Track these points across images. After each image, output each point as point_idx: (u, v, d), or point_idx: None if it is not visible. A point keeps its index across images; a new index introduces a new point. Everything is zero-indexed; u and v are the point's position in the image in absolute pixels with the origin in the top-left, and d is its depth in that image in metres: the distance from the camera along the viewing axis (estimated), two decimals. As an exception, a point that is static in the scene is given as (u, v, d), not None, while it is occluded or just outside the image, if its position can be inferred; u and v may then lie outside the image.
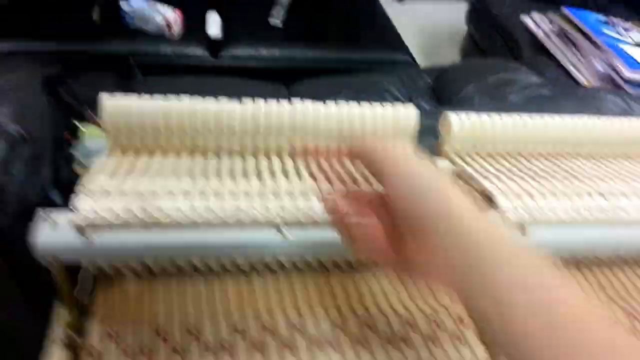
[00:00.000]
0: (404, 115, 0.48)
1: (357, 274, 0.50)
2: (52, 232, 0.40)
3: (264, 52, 1.59)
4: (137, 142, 0.49)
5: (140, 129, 0.49)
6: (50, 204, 0.79)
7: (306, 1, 1.81)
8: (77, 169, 0.52)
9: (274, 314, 0.46)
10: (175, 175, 0.46)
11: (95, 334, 0.43)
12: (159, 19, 1.55)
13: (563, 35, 1.51)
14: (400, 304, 0.48)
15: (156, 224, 0.41)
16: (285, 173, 0.47)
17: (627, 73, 1.27)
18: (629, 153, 0.58)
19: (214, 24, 1.67)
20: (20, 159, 0.78)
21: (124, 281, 0.48)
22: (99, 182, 0.43)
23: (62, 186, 0.78)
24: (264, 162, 0.49)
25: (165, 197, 0.42)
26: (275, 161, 0.49)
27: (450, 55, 2.18)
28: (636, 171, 0.54)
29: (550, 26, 1.57)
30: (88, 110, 0.81)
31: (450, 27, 2.27)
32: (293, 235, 0.42)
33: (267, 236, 0.42)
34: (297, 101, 0.48)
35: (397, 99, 1.31)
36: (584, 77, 1.40)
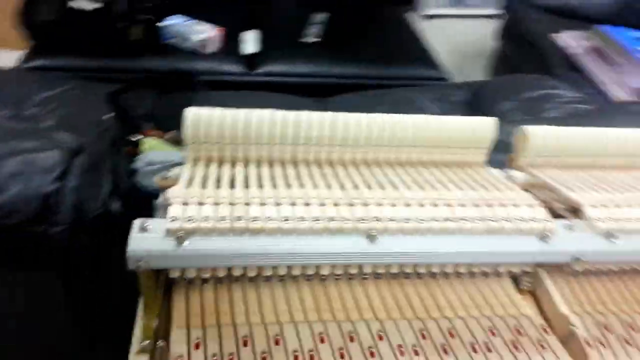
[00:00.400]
0: (482, 125, 0.49)
1: (432, 283, 0.51)
2: (147, 238, 0.42)
3: (298, 68, 1.61)
4: (217, 153, 0.51)
5: (220, 139, 0.51)
6: (110, 214, 0.81)
7: (339, 19, 1.84)
8: (158, 179, 0.54)
9: (353, 321, 0.47)
10: (260, 184, 0.48)
11: (179, 341, 0.44)
12: (195, 37, 1.58)
13: (597, 52, 1.51)
14: (478, 311, 0.49)
15: (248, 231, 0.43)
16: (366, 183, 0.48)
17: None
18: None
19: (250, 41, 1.70)
20: (78, 169, 0.80)
21: (201, 288, 0.49)
22: (189, 192, 0.45)
23: (122, 197, 0.80)
24: (341, 172, 0.51)
25: (256, 206, 0.44)
26: (353, 171, 0.50)
27: (478, 72, 2.19)
28: None
29: (584, 43, 1.57)
30: (146, 123, 0.83)
31: (477, 44, 2.28)
32: (382, 242, 0.44)
33: (357, 244, 0.43)
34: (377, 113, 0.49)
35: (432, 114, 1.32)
36: (619, 93, 1.40)
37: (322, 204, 0.45)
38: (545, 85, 1.32)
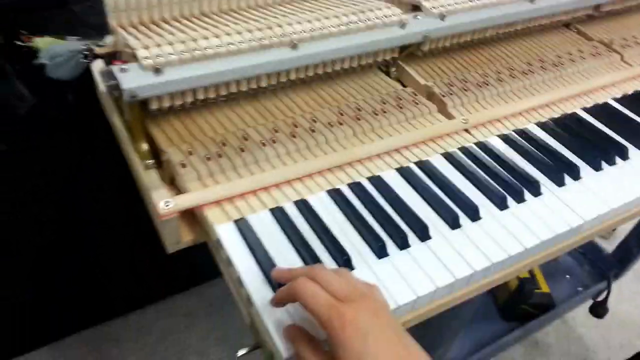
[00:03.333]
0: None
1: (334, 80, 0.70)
2: (131, 76, 0.52)
3: None
4: (137, 19, 0.61)
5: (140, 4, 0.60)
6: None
7: None
8: (97, 49, 0.61)
9: (286, 120, 0.64)
10: (194, 29, 0.59)
11: (174, 153, 0.56)
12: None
13: None
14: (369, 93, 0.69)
15: (205, 58, 0.55)
16: (273, 16, 0.63)
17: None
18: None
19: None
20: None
21: (172, 118, 0.61)
22: (144, 41, 0.55)
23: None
24: (253, 12, 0.65)
25: (203, 40, 0.56)
26: (262, 11, 0.65)
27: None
28: None
29: None
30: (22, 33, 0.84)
31: None
32: (302, 49, 0.60)
33: (284, 53, 0.59)
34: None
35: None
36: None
37: (251, 31, 0.59)
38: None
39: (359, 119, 0.64)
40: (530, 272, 1.23)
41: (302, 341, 0.41)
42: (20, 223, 1.01)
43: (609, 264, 1.36)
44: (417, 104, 0.68)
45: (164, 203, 0.51)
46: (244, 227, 0.51)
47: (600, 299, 1.33)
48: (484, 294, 1.28)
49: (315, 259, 0.49)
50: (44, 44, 0.79)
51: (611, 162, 0.65)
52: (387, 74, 0.75)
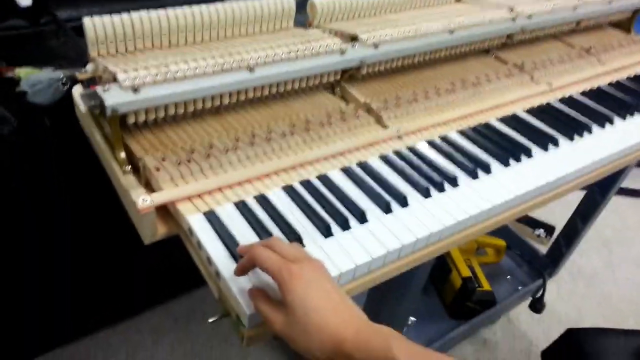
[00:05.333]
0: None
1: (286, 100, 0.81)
2: (113, 94, 0.62)
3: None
4: (114, 49, 0.71)
5: (118, 37, 0.71)
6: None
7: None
8: (78, 74, 0.70)
9: (246, 131, 0.75)
10: (165, 57, 0.70)
11: (149, 160, 0.66)
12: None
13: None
14: (317, 112, 0.81)
15: (175, 80, 0.66)
16: (231, 46, 0.75)
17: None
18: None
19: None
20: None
21: (146, 131, 0.71)
22: (124, 66, 0.65)
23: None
24: (212, 44, 0.76)
25: (174, 65, 0.67)
26: (218, 43, 0.76)
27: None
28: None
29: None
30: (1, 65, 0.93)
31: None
32: (258, 72, 0.71)
33: (242, 75, 0.70)
34: None
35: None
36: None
37: (214, 57, 0.70)
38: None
39: (308, 130, 0.76)
40: (473, 272, 1.36)
41: (261, 298, 0.51)
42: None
43: (544, 264, 1.51)
44: (358, 117, 0.81)
45: (142, 200, 0.61)
46: (211, 217, 0.61)
47: (537, 295, 1.47)
48: (432, 295, 1.40)
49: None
50: (24, 73, 0.89)
51: (518, 160, 0.79)
52: (333, 93, 0.87)
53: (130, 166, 0.67)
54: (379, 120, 0.81)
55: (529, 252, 1.54)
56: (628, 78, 1.13)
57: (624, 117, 0.96)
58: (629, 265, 1.89)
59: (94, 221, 1.12)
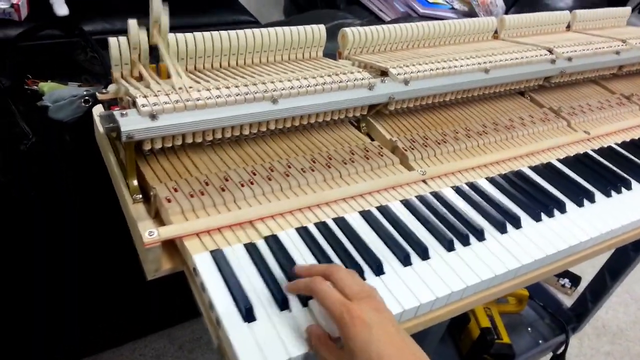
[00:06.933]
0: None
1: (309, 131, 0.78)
2: (131, 120, 0.60)
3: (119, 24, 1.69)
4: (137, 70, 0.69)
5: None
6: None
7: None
8: (98, 94, 0.68)
9: (264, 165, 0.71)
10: (185, 82, 0.68)
11: (161, 189, 0.63)
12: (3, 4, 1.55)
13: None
14: (340, 145, 0.78)
15: (195, 107, 0.63)
16: (257, 74, 0.72)
17: (422, 10, 1.71)
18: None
19: (58, 2, 1.70)
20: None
21: (161, 158, 0.68)
22: (144, 90, 0.63)
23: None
24: (237, 70, 0.74)
25: (195, 91, 0.64)
26: (243, 69, 0.74)
27: (275, 14, 2.48)
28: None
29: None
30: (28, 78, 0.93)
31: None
32: (281, 103, 0.68)
33: (266, 106, 0.67)
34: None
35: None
36: (388, 16, 1.82)
37: (237, 86, 0.68)
38: (339, 16, 1.66)
39: (329, 167, 0.72)
40: (492, 322, 1.30)
41: (322, 340, 0.50)
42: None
43: (568, 318, 1.43)
44: (382, 155, 0.77)
45: (148, 233, 0.58)
46: (218, 257, 0.58)
47: (559, 352, 1.39)
48: (448, 344, 1.34)
49: (281, 290, 0.55)
50: (48, 88, 0.88)
51: (550, 215, 0.74)
52: (358, 128, 0.84)
53: (141, 195, 0.64)
54: (404, 161, 0.77)
55: (552, 304, 1.46)
56: (671, 131, 1.07)
57: (666, 174, 0.90)
58: (659, 323, 1.79)
59: (105, 242, 1.10)
